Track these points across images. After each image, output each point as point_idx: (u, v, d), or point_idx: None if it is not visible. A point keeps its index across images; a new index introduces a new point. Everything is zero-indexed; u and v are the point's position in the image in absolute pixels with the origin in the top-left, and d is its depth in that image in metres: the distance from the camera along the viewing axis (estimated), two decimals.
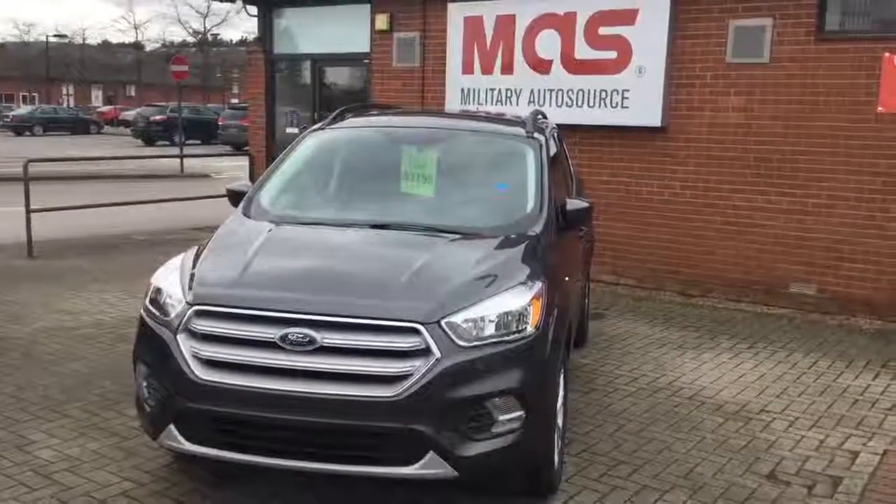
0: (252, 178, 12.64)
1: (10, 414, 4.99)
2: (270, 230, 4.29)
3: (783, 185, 8.37)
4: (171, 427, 3.65)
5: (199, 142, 35.43)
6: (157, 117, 36.82)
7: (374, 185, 4.93)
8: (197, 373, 3.56)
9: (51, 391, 5.40)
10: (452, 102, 10.21)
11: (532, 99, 9.61)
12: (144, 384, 3.85)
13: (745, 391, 5.84)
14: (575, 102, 9.29)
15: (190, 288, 3.78)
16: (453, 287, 3.69)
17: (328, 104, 12.10)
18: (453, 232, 4.26)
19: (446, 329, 3.50)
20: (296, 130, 12.33)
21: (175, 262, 4.15)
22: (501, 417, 3.55)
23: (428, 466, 3.46)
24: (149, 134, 36.86)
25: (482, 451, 3.52)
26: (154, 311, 3.88)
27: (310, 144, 5.25)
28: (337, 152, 5.22)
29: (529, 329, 3.65)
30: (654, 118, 8.86)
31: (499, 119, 5.83)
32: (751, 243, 8.61)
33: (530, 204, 4.60)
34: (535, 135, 5.13)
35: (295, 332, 3.48)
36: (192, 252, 4.22)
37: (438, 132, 5.30)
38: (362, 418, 3.43)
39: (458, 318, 3.54)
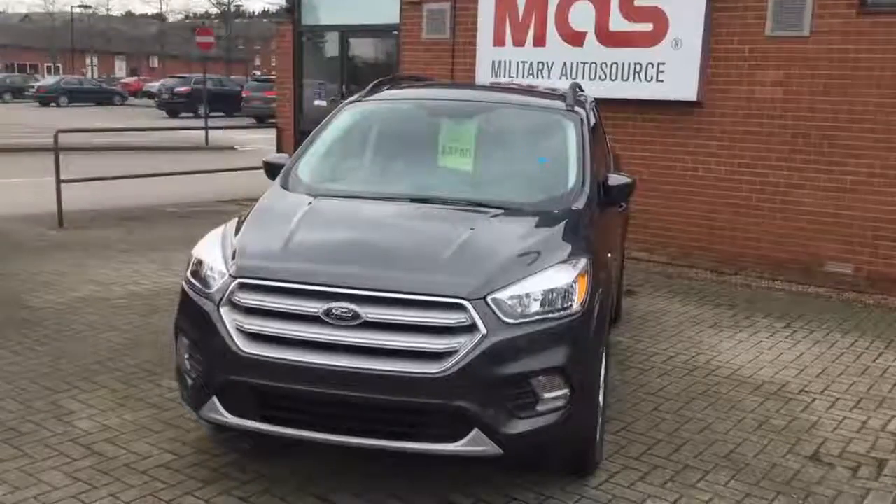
0: (280, 150, 12.62)
1: (48, 384, 5.01)
2: (310, 203, 4.24)
3: (821, 161, 8.22)
4: (214, 399, 3.64)
5: (222, 114, 35.43)
6: (181, 89, 36.82)
7: (412, 158, 4.87)
8: (240, 346, 3.53)
9: (87, 361, 5.41)
10: (483, 76, 10.10)
11: (565, 72, 9.48)
12: (186, 356, 3.83)
13: (783, 371, 5.76)
14: (609, 76, 9.16)
15: (232, 260, 3.74)
16: (498, 263, 3.63)
17: (355, 77, 12.02)
18: (495, 207, 4.19)
19: (492, 305, 3.44)
20: (323, 103, 12.28)
21: (216, 234, 4.12)
22: (546, 395, 3.51)
23: (472, 444, 3.42)
24: (173, 105, 36.90)
25: (526, 429, 3.48)
26: (196, 283, 3.86)
27: (346, 117, 5.19)
28: (374, 125, 5.16)
29: (575, 306, 3.59)
30: (689, 92, 8.71)
31: (537, 92, 5.73)
32: (786, 221, 8.48)
33: (572, 179, 4.52)
34: (576, 108, 5.04)
35: (338, 306, 3.44)
36: (232, 224, 4.19)
37: (477, 105, 5.22)
38: (406, 394, 3.39)
39: (503, 295, 3.48)
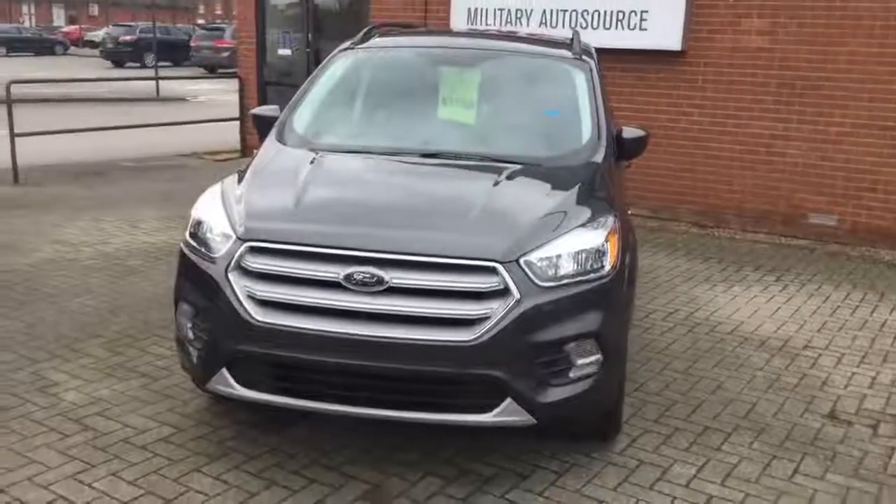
0: (242, 101, 12.15)
1: (27, 353, 4.69)
2: (315, 159, 3.96)
3: (805, 112, 8.12)
4: (224, 372, 3.38)
5: (170, 63, 34.31)
6: (127, 37, 35.45)
7: (416, 110, 4.59)
8: (252, 314, 3.27)
9: (64, 328, 5.09)
10: (458, 24, 9.75)
11: (544, 20, 9.19)
12: (189, 325, 3.55)
13: (784, 326, 5.69)
14: (590, 24, 8.88)
15: (240, 221, 3.46)
16: (527, 223, 3.41)
17: (321, 25, 11.56)
18: (512, 162, 3.96)
19: (525, 268, 3.23)
20: (288, 52, 11.82)
21: (214, 192, 3.82)
22: (580, 361, 3.33)
23: (505, 414, 3.24)
24: (118, 55, 35.54)
25: (560, 397, 3.30)
26: (196, 245, 3.57)
27: (340, 66, 4.87)
28: (371, 75, 4.85)
29: (607, 268, 3.40)
30: (673, 41, 8.50)
31: (541, 40, 5.46)
32: (770, 172, 8.39)
33: (587, 131, 4.31)
34: (584, 57, 4.80)
35: (361, 271, 3.19)
36: (231, 181, 3.89)
37: (479, 53, 4.93)
38: (435, 364, 3.18)
39: (535, 257, 3.27)
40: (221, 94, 20.90)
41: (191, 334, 3.56)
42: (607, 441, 3.89)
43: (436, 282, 3.19)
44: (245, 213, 3.50)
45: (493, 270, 3.20)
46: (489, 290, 3.19)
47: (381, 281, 3.18)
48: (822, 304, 6.20)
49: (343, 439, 3.81)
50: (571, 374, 3.33)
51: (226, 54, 30.01)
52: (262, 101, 12.00)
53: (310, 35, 11.57)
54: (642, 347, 5.18)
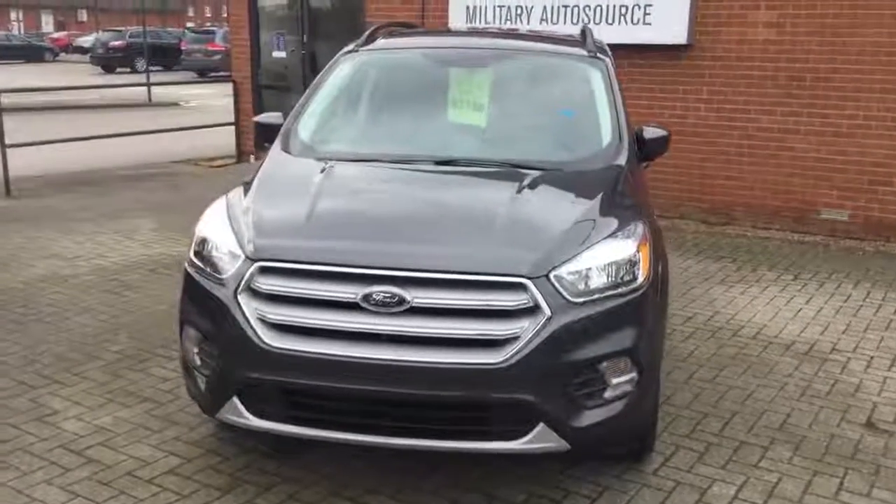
0: (237, 105, 11.92)
1: (24, 378, 4.47)
2: (325, 170, 3.74)
3: (816, 105, 7.93)
4: (235, 400, 3.17)
5: (161, 68, 33.98)
6: (116, 43, 35.19)
7: (426, 114, 4.38)
8: (265, 339, 3.06)
9: (62, 349, 4.88)
10: (456, 22, 9.53)
11: (545, 16, 8.98)
12: (196, 350, 3.34)
13: (808, 328, 5.50)
14: (592, 19, 8.67)
15: (248, 239, 3.24)
16: (555, 235, 3.21)
17: (317, 26, 11.34)
18: (532, 167, 3.75)
19: (555, 283, 3.02)
20: (283, 55, 11.59)
21: (219, 207, 3.60)
22: (615, 381, 3.13)
23: (538, 440, 3.04)
24: (108, 60, 35.26)
25: (596, 419, 3.09)
26: (202, 265, 3.36)
27: (344, 70, 4.65)
28: (377, 78, 4.64)
29: (640, 279, 3.20)
30: (679, 35, 8.30)
31: (551, 38, 5.24)
32: (780, 167, 8.20)
33: (608, 134, 4.11)
34: (599, 55, 4.60)
35: (380, 290, 2.98)
36: (236, 194, 3.67)
37: (490, 53, 4.72)
38: (462, 388, 2.98)
39: (564, 271, 3.07)
40: (214, 99, 20.62)
41: (198, 360, 3.35)
42: (640, 461, 3.69)
43: (461, 300, 2.99)
44: (254, 230, 3.28)
45: (521, 287, 2.99)
46: (518, 307, 2.99)
47: (402, 301, 2.97)
48: (843, 304, 6.01)
49: (360, 466, 3.60)
50: (606, 395, 3.13)
51: (217, 57, 29.77)
52: (258, 104, 11.77)
53: (305, 36, 11.34)
54: (665, 356, 4.96)
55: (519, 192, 3.49)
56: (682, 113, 8.60)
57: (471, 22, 9.47)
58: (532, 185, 3.57)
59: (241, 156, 11.85)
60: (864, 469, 3.72)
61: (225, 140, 12.34)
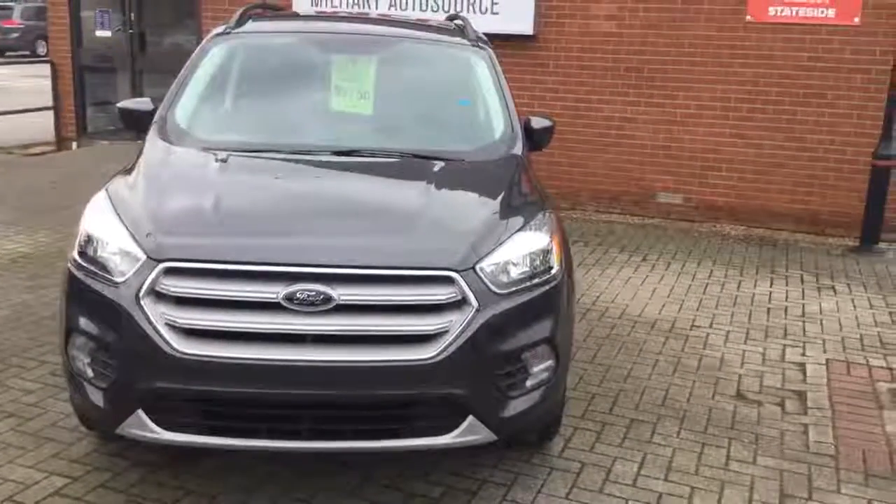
0: (56, 89, 11.01)
1: None
2: (219, 161, 3.52)
3: (653, 95, 8.39)
4: (140, 413, 2.92)
5: None
6: None
7: (311, 102, 4.23)
8: (175, 345, 2.84)
9: None
10: (302, 5, 9.27)
11: (393, 3, 8.92)
12: (88, 360, 3.05)
13: (666, 307, 5.82)
14: (441, 7, 8.72)
15: (149, 237, 2.99)
16: (476, 226, 3.19)
17: (143, 2, 10.66)
18: (434, 158, 3.71)
19: (481, 276, 3.01)
20: (108, 34, 10.83)
21: (102, 201, 3.30)
22: (535, 369, 3.17)
23: (467, 433, 3.02)
24: None
25: (520, 409, 3.12)
26: (91, 267, 3.06)
27: (218, 54, 4.39)
28: (254, 64, 4.43)
29: (555, 269, 3.26)
30: (525, 26, 8.51)
31: (431, 26, 5.18)
32: (620, 154, 8.62)
33: (500, 124, 4.14)
34: (481, 44, 4.62)
35: (304, 288, 2.85)
36: (119, 187, 3.38)
37: (372, 39, 4.62)
38: (392, 387, 2.91)
39: (488, 262, 3.06)
40: (19, 80, 18.88)
41: (90, 371, 3.06)
42: (543, 445, 3.77)
43: (390, 296, 2.91)
44: (154, 227, 3.03)
45: (450, 280, 2.95)
46: (447, 301, 2.95)
47: (328, 299, 2.85)
48: (691, 282, 6.42)
49: (268, 471, 3.44)
50: (528, 384, 3.16)
51: (15, 35, 27.37)
52: (79, 87, 10.94)
53: (130, 14, 10.65)
54: None
55: (430, 183, 3.44)
56: (530, 102, 8.80)
57: (315, 6, 9.25)
58: (440, 176, 3.54)
59: (61, 143, 10.97)
60: (744, 438, 3.98)
61: (39, 125, 11.35)
